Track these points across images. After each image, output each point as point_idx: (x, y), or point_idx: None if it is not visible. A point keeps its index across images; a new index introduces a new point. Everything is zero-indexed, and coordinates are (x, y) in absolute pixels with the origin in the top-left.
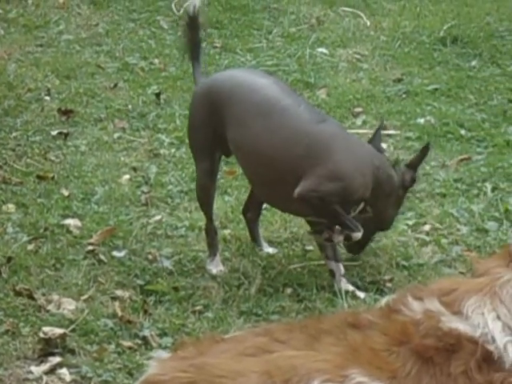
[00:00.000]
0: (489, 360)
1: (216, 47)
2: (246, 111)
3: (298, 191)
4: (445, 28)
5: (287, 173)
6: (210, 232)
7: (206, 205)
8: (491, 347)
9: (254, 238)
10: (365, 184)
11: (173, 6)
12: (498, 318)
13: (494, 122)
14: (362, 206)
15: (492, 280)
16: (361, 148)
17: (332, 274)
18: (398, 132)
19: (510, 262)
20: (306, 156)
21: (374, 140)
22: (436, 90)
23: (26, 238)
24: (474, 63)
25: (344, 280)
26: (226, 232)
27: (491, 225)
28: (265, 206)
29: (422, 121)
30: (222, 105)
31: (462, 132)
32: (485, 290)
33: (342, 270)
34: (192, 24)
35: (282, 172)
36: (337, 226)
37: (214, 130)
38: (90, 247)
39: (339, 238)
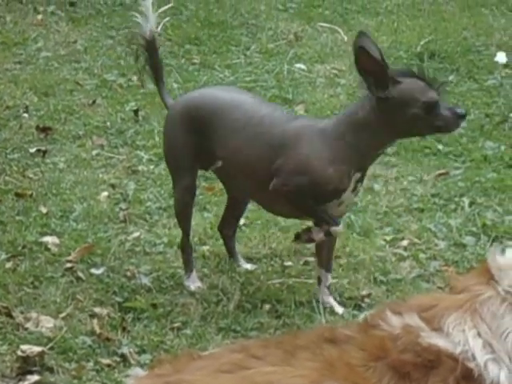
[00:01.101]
0: (468, 377)
1: (195, 63)
2: (229, 126)
3: (271, 185)
4: (422, 43)
5: (267, 176)
6: (186, 248)
7: (184, 221)
8: (471, 364)
9: (231, 254)
10: (339, 175)
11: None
12: (479, 335)
13: (471, 137)
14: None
15: (472, 297)
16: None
17: (319, 281)
18: None
19: (490, 279)
20: (277, 154)
21: None
22: None
23: (4, 256)
24: (451, 78)
25: (327, 292)
26: (205, 248)
27: (469, 239)
28: (243, 222)
29: None
30: (204, 122)
31: (440, 147)
32: (465, 306)
33: (329, 281)
34: (151, 47)
35: (262, 177)
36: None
37: (194, 147)
38: (69, 264)
39: (319, 236)
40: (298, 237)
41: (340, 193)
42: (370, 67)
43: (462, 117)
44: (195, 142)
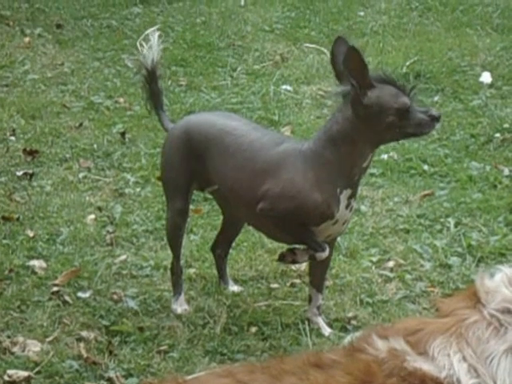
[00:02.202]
0: None
1: (181, 85)
2: (221, 152)
3: (258, 209)
4: (407, 64)
5: (255, 201)
6: (176, 271)
7: (175, 244)
8: None
9: (221, 275)
10: (326, 198)
11: (138, 44)
12: (464, 359)
13: (456, 157)
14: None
15: (458, 321)
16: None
17: (309, 299)
18: None
19: (477, 302)
20: (263, 179)
21: None
22: None
23: None
24: (436, 98)
25: (316, 312)
26: (192, 271)
27: (454, 260)
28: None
29: (385, 157)
30: (201, 147)
31: (425, 167)
32: (451, 331)
33: (319, 302)
34: (151, 76)
35: (252, 202)
36: (300, 246)
37: (191, 171)
38: (55, 288)
39: (304, 258)
40: (282, 257)
41: (330, 214)
42: (357, 70)
43: (437, 119)
44: (192, 166)
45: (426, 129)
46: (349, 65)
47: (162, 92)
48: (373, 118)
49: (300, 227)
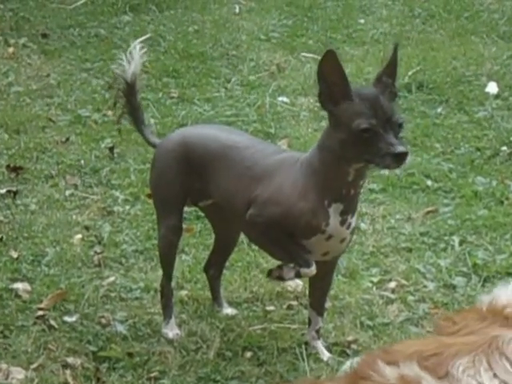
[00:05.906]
0: None
1: (173, 97)
2: (224, 166)
3: (247, 215)
4: (410, 74)
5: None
6: (167, 293)
7: (168, 263)
8: None
9: (215, 296)
10: (311, 206)
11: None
12: (495, 376)
13: (461, 172)
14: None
15: (492, 338)
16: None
17: (309, 322)
18: None
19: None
20: (257, 186)
21: None
22: None
23: None
24: (440, 110)
25: (315, 335)
26: (183, 293)
27: (459, 280)
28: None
29: (386, 172)
30: (203, 163)
31: (428, 183)
32: (481, 348)
33: (319, 325)
34: (130, 90)
35: (246, 210)
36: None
37: (187, 186)
38: (40, 312)
39: (290, 275)
40: (269, 273)
41: (317, 226)
42: (332, 74)
43: (399, 156)
44: (189, 181)
45: (386, 163)
46: (323, 68)
47: (142, 107)
48: (336, 131)
49: (287, 238)
